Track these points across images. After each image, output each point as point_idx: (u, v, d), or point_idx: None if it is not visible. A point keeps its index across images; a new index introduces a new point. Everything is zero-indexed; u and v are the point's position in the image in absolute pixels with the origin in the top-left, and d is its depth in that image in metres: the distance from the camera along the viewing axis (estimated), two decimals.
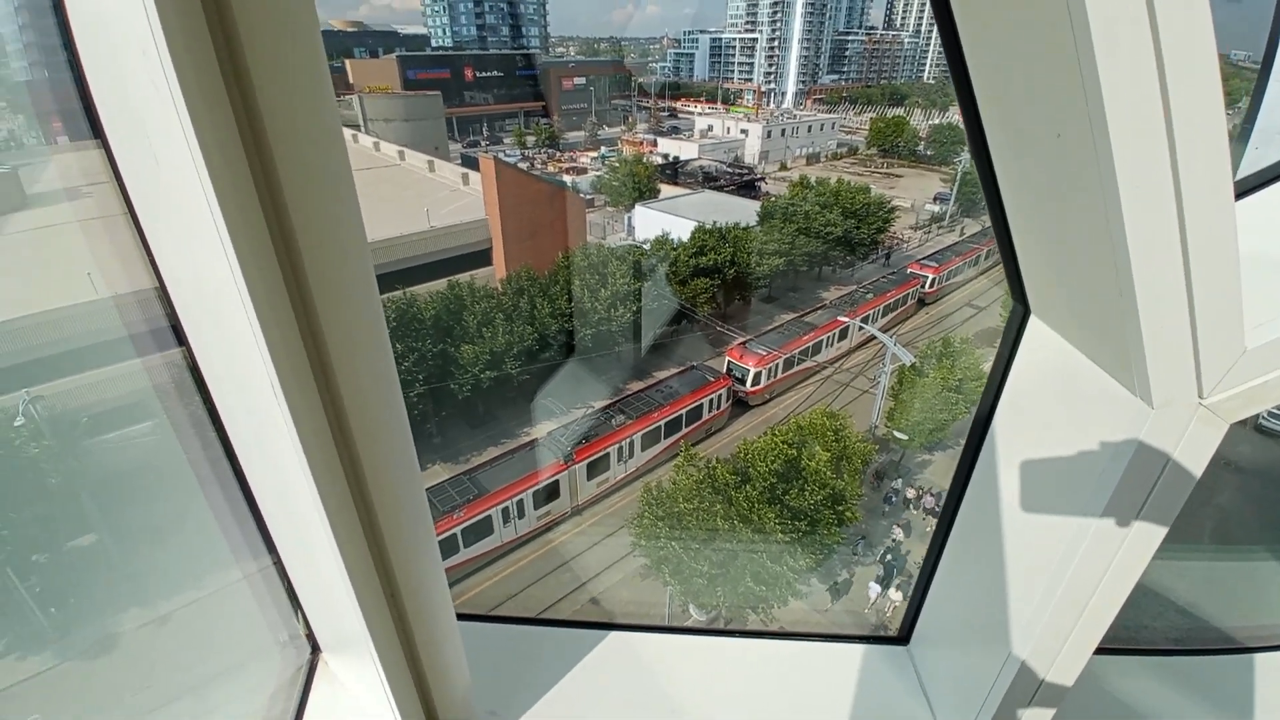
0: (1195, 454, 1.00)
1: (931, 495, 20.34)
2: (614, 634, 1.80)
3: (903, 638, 1.85)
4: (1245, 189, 1.13)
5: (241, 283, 0.86)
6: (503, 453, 21.37)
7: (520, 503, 19.40)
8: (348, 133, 49.69)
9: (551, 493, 20.22)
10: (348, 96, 67.51)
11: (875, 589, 17.60)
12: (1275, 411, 22.10)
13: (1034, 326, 1.28)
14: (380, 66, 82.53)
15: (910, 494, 20.56)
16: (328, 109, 0.90)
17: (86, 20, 0.80)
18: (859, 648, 1.86)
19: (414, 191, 34.51)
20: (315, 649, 1.77)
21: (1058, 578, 1.20)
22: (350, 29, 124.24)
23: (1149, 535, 1.09)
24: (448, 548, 18.03)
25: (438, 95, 63.58)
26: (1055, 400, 1.22)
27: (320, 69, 0.86)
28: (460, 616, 1.46)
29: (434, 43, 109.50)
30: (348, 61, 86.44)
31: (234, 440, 1.27)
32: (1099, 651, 2.15)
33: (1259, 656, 2.11)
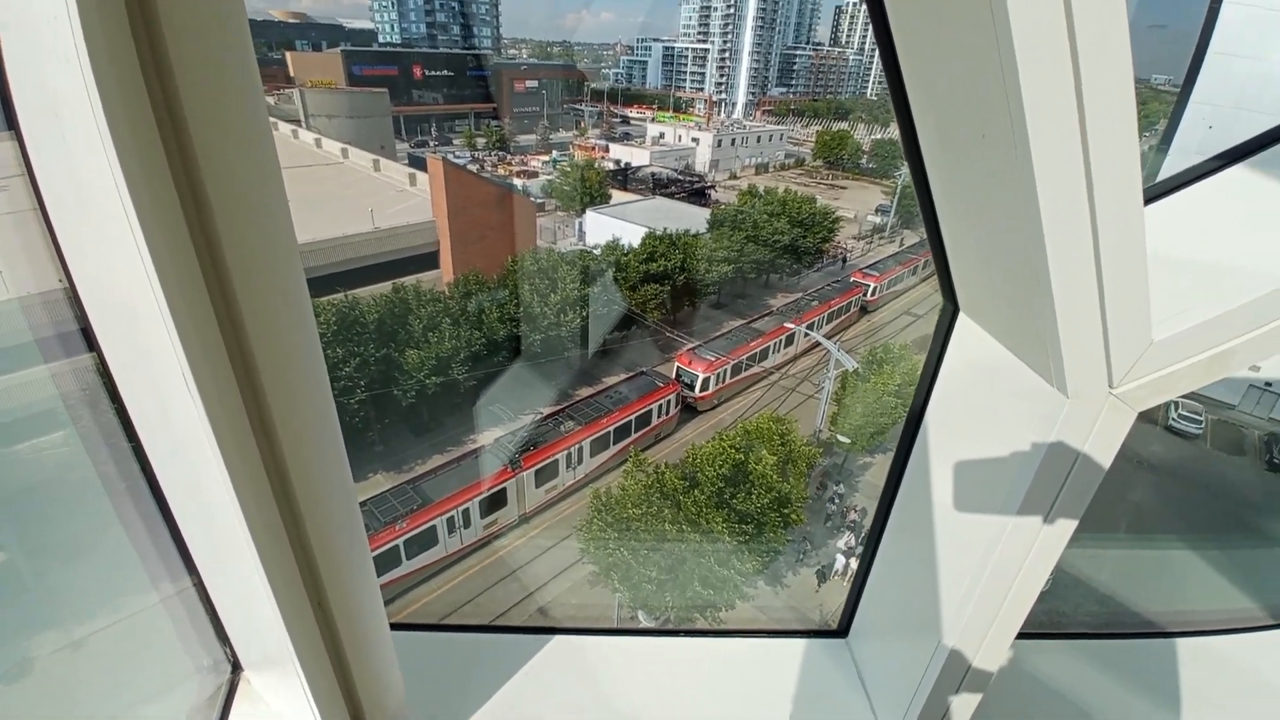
0: (1106, 442, 1.06)
1: (856, 512, 20.98)
2: (558, 638, 1.77)
3: (842, 630, 1.90)
4: (1155, 194, 1.21)
5: (157, 284, 0.80)
6: (448, 461, 20.88)
7: (466, 512, 18.97)
8: (286, 128, 47.77)
9: (498, 501, 19.85)
10: (288, 90, 65.01)
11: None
12: (1185, 414, 23.89)
13: (963, 324, 1.34)
14: (324, 60, 79.78)
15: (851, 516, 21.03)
16: (255, 105, 0.86)
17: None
18: (800, 642, 1.89)
19: (357, 191, 33.46)
20: (236, 668, 1.67)
21: (981, 567, 1.25)
22: (292, 20, 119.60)
23: (1064, 523, 1.14)
24: (390, 560, 17.44)
25: (384, 93, 61.90)
26: (982, 395, 1.28)
27: (248, 62, 0.82)
28: (396, 626, 1.40)
29: (381, 39, 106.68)
30: (289, 54, 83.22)
31: (150, 454, 1.18)
32: (1024, 636, 2.26)
33: (1178, 641, 2.25)
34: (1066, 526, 1.16)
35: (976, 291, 1.25)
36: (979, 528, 1.27)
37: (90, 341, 1.06)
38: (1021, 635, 2.16)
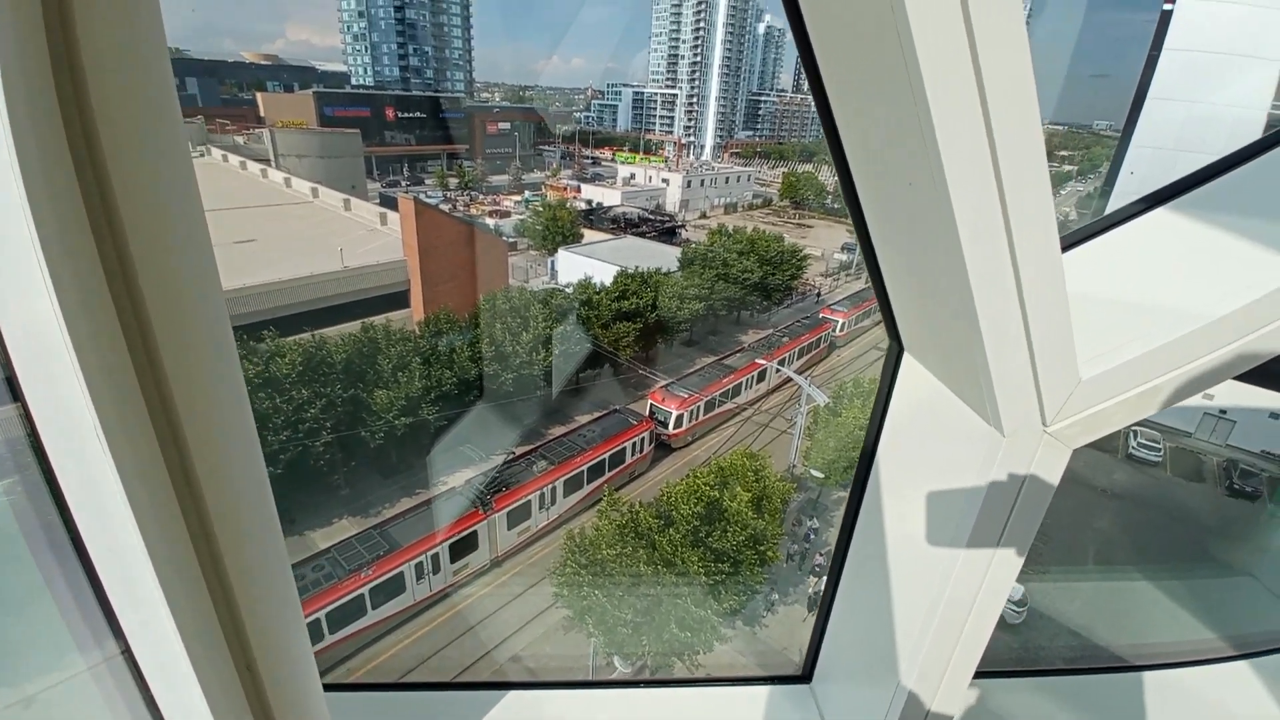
0: (1044, 478, 1.08)
1: (822, 555, 20.99)
2: (513, 694, 1.70)
3: (805, 675, 1.86)
4: (1083, 236, 1.26)
5: (64, 329, 0.77)
6: (417, 504, 20.32)
7: (435, 557, 18.38)
8: (255, 168, 47.51)
9: (469, 544, 19.31)
10: (258, 130, 64.94)
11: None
12: (1144, 442, 24.63)
13: (908, 363, 1.36)
14: (295, 101, 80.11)
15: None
16: (175, 138, 0.84)
17: None
18: (763, 689, 1.84)
19: (327, 230, 33.23)
20: None
21: (935, 605, 1.25)
22: (264, 62, 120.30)
23: (1011, 557, 1.15)
24: (356, 610, 16.74)
25: (356, 133, 62.20)
26: (927, 433, 1.29)
27: (169, 100, 0.81)
28: (335, 688, 1.33)
29: (354, 81, 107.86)
30: (259, 95, 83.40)
31: (75, 514, 1.12)
32: (989, 675, 2.24)
33: (1145, 675, 2.25)
34: (1014, 560, 1.16)
35: (918, 332, 1.27)
36: (930, 565, 1.27)
37: (15, 391, 1.01)
38: (986, 674, 2.15)
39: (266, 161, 51.12)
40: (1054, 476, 1.06)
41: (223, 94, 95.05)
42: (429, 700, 1.60)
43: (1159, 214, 1.33)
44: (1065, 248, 1.18)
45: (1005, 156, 0.81)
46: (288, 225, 34.09)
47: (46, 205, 0.74)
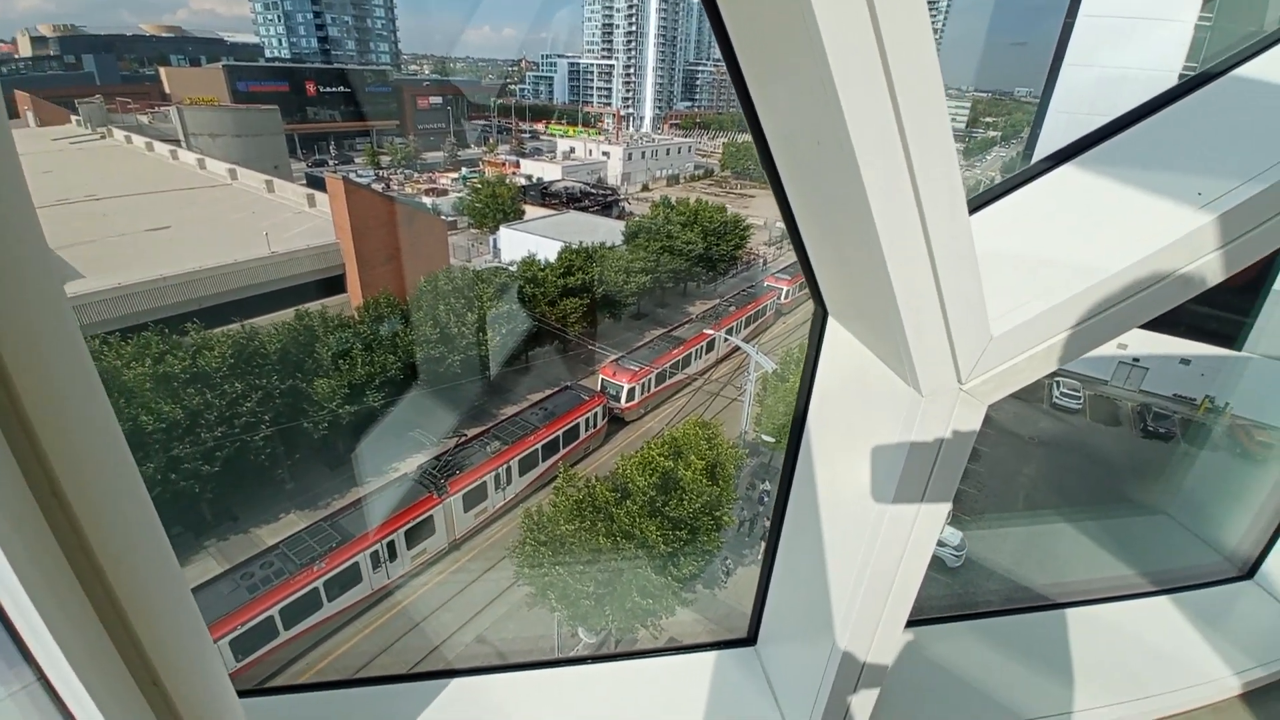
0: (963, 434, 1.10)
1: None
2: (456, 681, 1.66)
3: (750, 638, 1.90)
4: (991, 197, 1.27)
5: None
6: (368, 493, 19.84)
7: (391, 544, 18.07)
8: (164, 148, 44.23)
9: (425, 529, 19.05)
10: (164, 108, 60.38)
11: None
12: (1065, 391, 26.25)
13: (832, 328, 1.37)
14: (204, 76, 74.72)
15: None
16: None
17: None
18: (711, 655, 1.87)
19: (249, 214, 31.39)
20: None
21: (864, 564, 1.27)
22: (167, 34, 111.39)
23: (935, 512, 1.18)
24: (310, 604, 16.34)
25: (275, 110, 58.56)
26: (852, 397, 1.30)
27: None
28: (253, 692, 1.26)
29: (268, 53, 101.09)
30: (163, 70, 77.34)
31: None
32: (929, 622, 2.34)
33: (1068, 612, 2.39)
34: (938, 513, 1.19)
35: (839, 297, 1.27)
36: (859, 525, 1.29)
37: None
38: (920, 622, 2.25)
39: (176, 142, 47.65)
40: (971, 431, 1.09)
41: (122, 70, 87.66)
42: (361, 698, 1.55)
43: (1064, 170, 1.36)
44: (974, 209, 1.20)
45: (909, 117, 0.80)
46: (205, 210, 32.02)
47: None
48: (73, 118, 54.18)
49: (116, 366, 18.02)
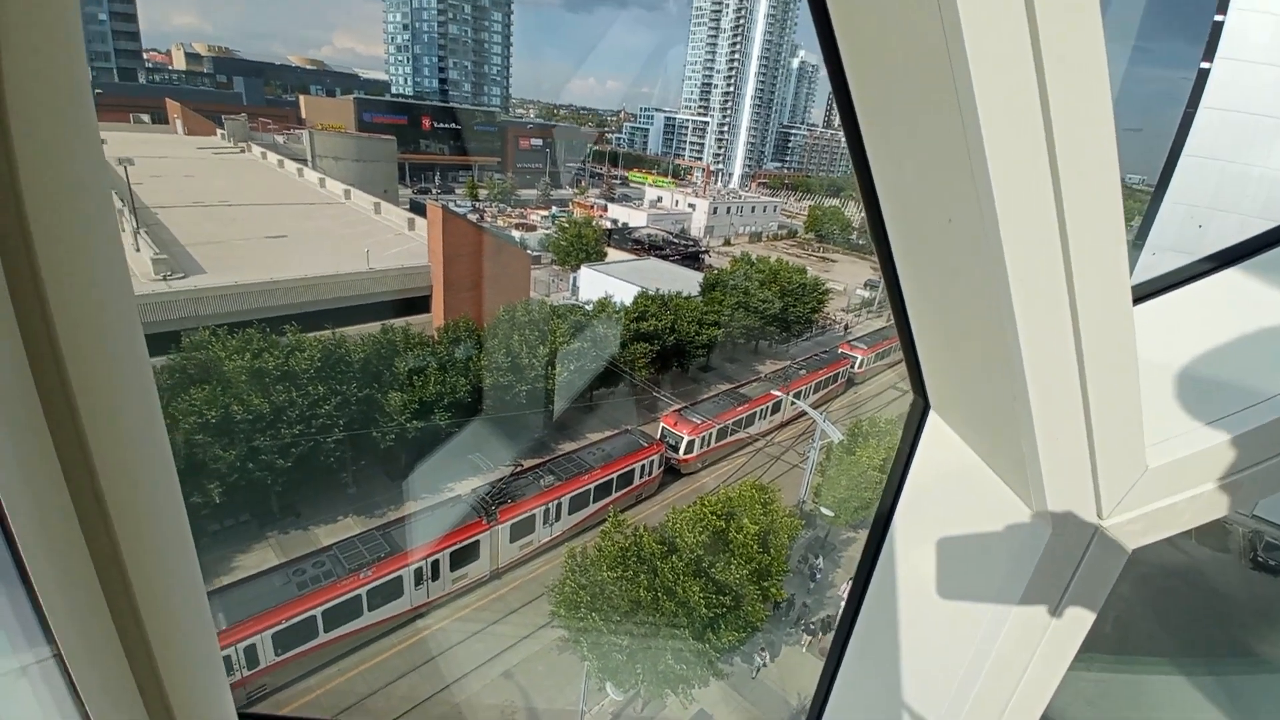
0: (1097, 578, 0.91)
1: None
2: None
3: None
4: (1141, 295, 1.09)
5: None
6: (421, 509, 20.22)
7: (435, 563, 18.22)
8: (292, 166, 48.61)
9: (470, 554, 19.13)
10: (298, 131, 66.63)
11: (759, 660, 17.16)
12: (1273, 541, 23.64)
13: (934, 423, 1.20)
14: (336, 105, 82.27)
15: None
16: (90, 142, 0.73)
17: None
18: None
19: (355, 231, 33.77)
20: None
21: (960, 699, 1.07)
22: (310, 66, 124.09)
23: (1048, 668, 0.97)
24: (350, 611, 16.60)
25: (392, 140, 63.56)
26: (953, 505, 1.13)
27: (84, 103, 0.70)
28: (253, 718, 1.17)
29: (394, 90, 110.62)
30: (302, 97, 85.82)
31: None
32: None
33: None
34: (1051, 671, 0.99)
35: (947, 391, 1.11)
36: (956, 656, 1.09)
37: None
38: None
39: (304, 162, 52.34)
40: (1108, 576, 0.89)
41: (267, 94, 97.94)
42: None
43: (1230, 275, 1.17)
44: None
45: (1071, 187, 0.67)
46: (319, 224, 34.70)
47: None
48: (218, 131, 60.70)
49: (220, 357, 19.43)
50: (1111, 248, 0.74)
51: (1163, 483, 0.83)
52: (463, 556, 18.92)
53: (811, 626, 18.77)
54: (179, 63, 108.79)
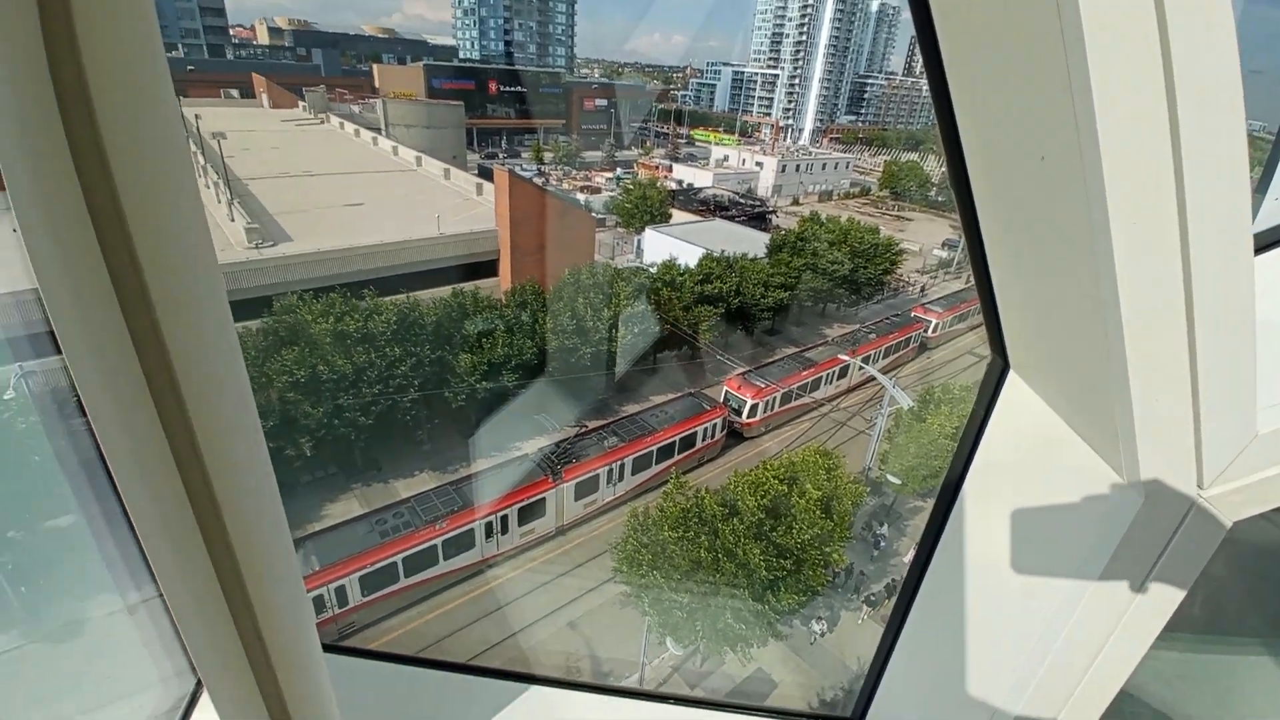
0: (1191, 553, 0.83)
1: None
2: (534, 689, 1.61)
3: (858, 716, 1.66)
4: (1263, 245, 0.97)
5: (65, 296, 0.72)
6: (490, 466, 21.10)
7: (504, 518, 19.08)
8: (368, 135, 50.17)
9: (536, 510, 19.90)
10: (372, 100, 68.52)
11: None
12: None
13: (1013, 384, 1.12)
14: (406, 73, 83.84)
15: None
16: (173, 133, 0.77)
17: None
18: None
19: (427, 197, 34.71)
20: (199, 681, 1.60)
21: (1026, 678, 1.03)
22: (382, 35, 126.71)
23: (1126, 648, 0.91)
24: (428, 559, 17.69)
25: (460, 105, 64.43)
26: (1031, 471, 1.06)
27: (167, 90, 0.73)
28: (340, 649, 1.28)
29: (461, 54, 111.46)
30: (375, 66, 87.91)
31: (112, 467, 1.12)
32: None
33: None
34: (1131, 653, 0.93)
35: (1030, 350, 1.03)
36: (1028, 628, 1.05)
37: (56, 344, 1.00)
38: None
39: (378, 130, 53.93)
40: (1203, 553, 0.82)
41: (343, 65, 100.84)
42: (441, 680, 1.53)
43: None
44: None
45: (1189, 116, 0.59)
46: (392, 191, 35.88)
47: (44, 199, 0.68)
48: (299, 103, 63.22)
49: (307, 320, 20.67)
50: (1233, 190, 0.66)
51: (1273, 450, 0.74)
52: (530, 512, 19.70)
53: (873, 598, 18.52)
54: (262, 37, 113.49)
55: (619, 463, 21.50)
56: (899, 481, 20.68)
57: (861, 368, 27.86)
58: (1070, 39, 0.59)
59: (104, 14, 0.67)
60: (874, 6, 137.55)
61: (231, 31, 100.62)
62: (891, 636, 1.51)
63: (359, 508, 20.11)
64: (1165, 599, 0.86)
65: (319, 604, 15.89)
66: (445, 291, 25.19)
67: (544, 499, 19.89)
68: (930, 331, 34.84)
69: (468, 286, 25.99)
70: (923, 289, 43.55)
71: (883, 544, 20.43)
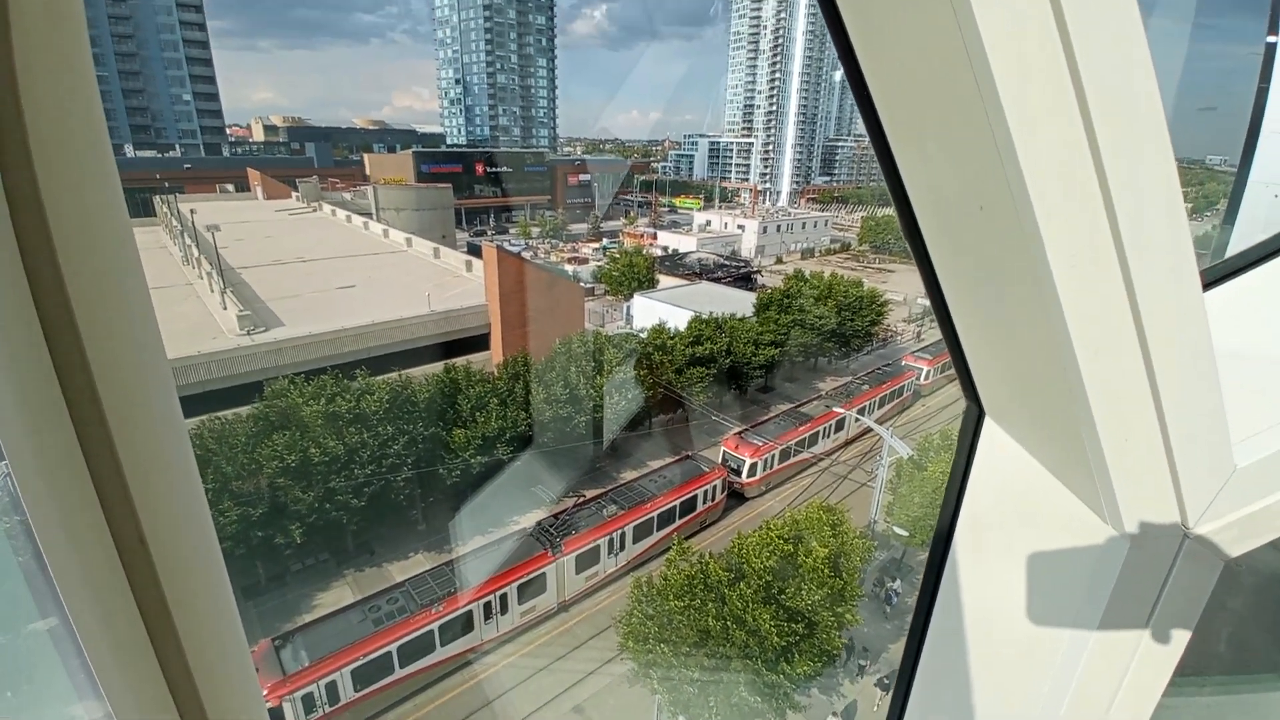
0: (1189, 593, 0.80)
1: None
2: None
3: None
4: (1212, 280, 0.99)
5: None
6: (487, 542, 20.53)
7: (504, 596, 18.38)
8: (359, 220, 51.49)
9: (537, 586, 19.21)
10: (363, 187, 70.75)
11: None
12: None
13: (990, 430, 1.11)
14: (396, 160, 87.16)
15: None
16: (116, 210, 0.78)
17: None
18: None
19: (417, 276, 35.31)
20: None
21: None
22: (372, 126, 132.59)
23: (1139, 695, 0.86)
24: (424, 646, 16.89)
25: (448, 187, 66.57)
26: (1017, 520, 1.03)
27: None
28: None
29: (449, 140, 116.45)
30: (366, 155, 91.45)
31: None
32: None
33: None
34: (1145, 700, 0.87)
35: (1001, 395, 1.03)
36: (1029, 685, 0.99)
37: None
38: None
39: (369, 214, 55.43)
40: (1201, 592, 0.79)
41: (335, 156, 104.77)
42: None
43: None
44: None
45: (1116, 161, 0.60)
46: (384, 272, 36.51)
47: None
48: (293, 193, 65.20)
49: (298, 403, 20.53)
50: (1171, 230, 0.67)
51: (1255, 483, 0.73)
52: (530, 589, 19.01)
53: (885, 683, 17.26)
54: (258, 134, 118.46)
55: (619, 531, 20.97)
56: (906, 533, 20.24)
57: (857, 419, 27.78)
58: (985, 90, 0.61)
59: (55, 116, 0.68)
60: (837, 78, 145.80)
61: (228, 130, 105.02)
62: (900, 704, 1.43)
63: (351, 595, 19.36)
64: (1171, 642, 0.82)
65: (308, 702, 15.00)
66: (438, 368, 25.23)
67: (544, 574, 19.25)
68: (922, 379, 35.03)
69: (460, 361, 26.06)
70: (919, 335, 44.08)
71: (894, 599, 19.77)
